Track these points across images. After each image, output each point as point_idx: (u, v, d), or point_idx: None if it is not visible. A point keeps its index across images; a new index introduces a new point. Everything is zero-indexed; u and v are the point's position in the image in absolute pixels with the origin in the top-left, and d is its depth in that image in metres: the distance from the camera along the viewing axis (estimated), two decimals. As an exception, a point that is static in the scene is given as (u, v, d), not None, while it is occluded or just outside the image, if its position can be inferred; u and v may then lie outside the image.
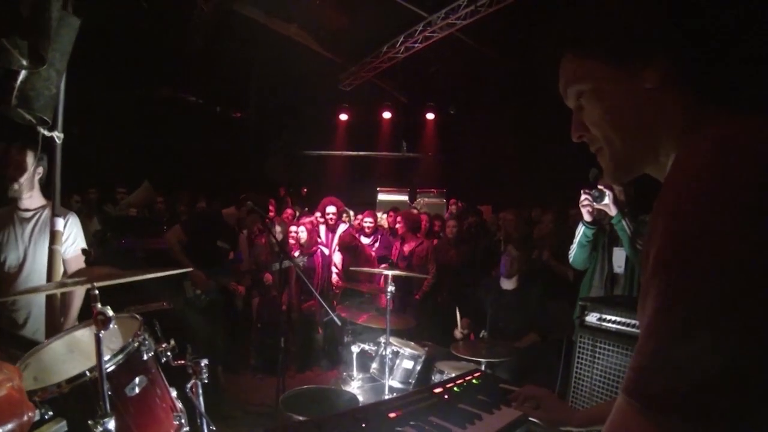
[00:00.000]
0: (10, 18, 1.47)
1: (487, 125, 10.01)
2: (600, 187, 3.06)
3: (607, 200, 3.03)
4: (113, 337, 1.91)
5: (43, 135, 2.33)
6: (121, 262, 4.92)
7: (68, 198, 5.73)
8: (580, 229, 3.25)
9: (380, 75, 9.89)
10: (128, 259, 4.93)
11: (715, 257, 0.58)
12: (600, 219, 3.24)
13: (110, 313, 1.50)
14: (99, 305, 1.50)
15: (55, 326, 2.36)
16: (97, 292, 1.52)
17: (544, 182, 8.17)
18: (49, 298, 2.41)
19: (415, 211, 7.18)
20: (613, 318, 2.43)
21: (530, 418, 1.44)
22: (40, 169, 2.71)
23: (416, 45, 8.18)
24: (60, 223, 2.48)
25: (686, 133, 0.77)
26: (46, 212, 2.70)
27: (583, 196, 3.13)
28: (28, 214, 2.71)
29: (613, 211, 3.05)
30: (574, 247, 3.33)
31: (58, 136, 2.44)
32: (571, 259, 3.41)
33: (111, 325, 1.48)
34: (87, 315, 2.06)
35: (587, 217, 3.18)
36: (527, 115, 9.01)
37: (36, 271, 2.60)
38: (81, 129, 8.57)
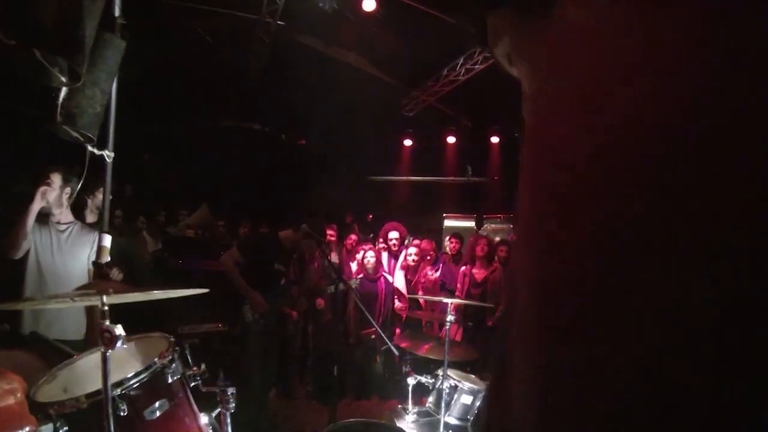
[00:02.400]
0: (33, 29, 1.46)
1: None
2: None
3: None
4: (142, 355, 1.83)
5: (92, 153, 2.35)
6: (177, 282, 5.04)
7: (134, 219, 5.98)
8: None
9: (442, 99, 9.77)
10: (185, 279, 4.98)
11: None
12: None
13: (118, 331, 1.40)
14: (107, 322, 1.41)
15: (93, 340, 2.35)
16: (106, 308, 1.43)
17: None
18: (91, 311, 2.42)
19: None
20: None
21: None
22: (68, 189, 2.97)
23: (476, 66, 8.02)
24: (107, 239, 2.49)
25: None
26: (77, 227, 3.04)
27: None
28: (62, 227, 3.00)
29: None
30: None
31: (108, 155, 2.48)
32: None
33: (119, 344, 1.38)
34: (129, 331, 2.03)
35: None
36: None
37: (69, 281, 2.70)
38: (154, 156, 9.14)
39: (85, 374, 1.83)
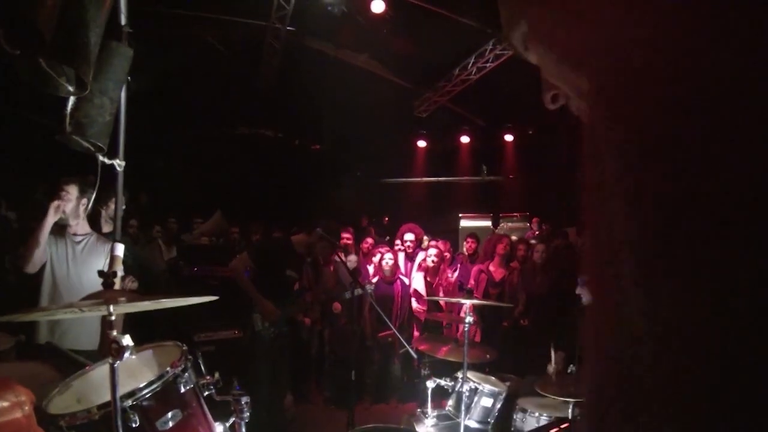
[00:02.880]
0: (35, 37, 1.45)
1: (568, 143, 9.45)
2: None
3: None
4: (155, 364, 1.81)
5: (103, 162, 2.35)
6: (191, 290, 5.05)
7: (150, 228, 6.02)
8: None
9: (455, 99, 9.71)
10: (200, 287, 4.98)
11: None
12: None
13: (125, 342, 1.37)
14: (114, 333, 1.38)
15: (105, 351, 2.35)
16: (113, 318, 1.40)
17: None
18: (104, 320, 2.42)
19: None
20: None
21: None
22: (85, 200, 3.00)
23: (488, 64, 7.94)
24: (120, 249, 2.48)
25: None
26: (93, 238, 3.08)
27: None
28: (78, 239, 3.04)
29: None
30: None
31: (119, 164, 2.47)
32: None
33: (127, 355, 1.36)
34: (144, 339, 2.02)
35: None
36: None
37: (84, 292, 2.67)
38: (167, 164, 9.23)
39: (98, 384, 1.81)
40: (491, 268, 5.69)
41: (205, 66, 7.89)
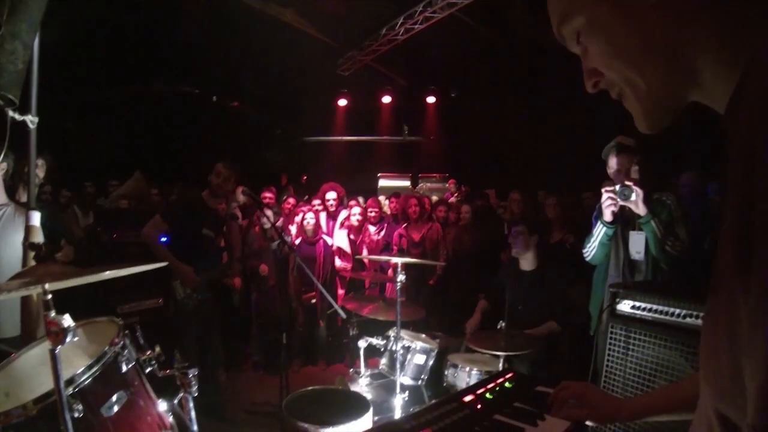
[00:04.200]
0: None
1: (489, 108, 9.76)
2: (628, 183, 2.84)
3: (634, 197, 2.82)
4: (89, 345, 1.67)
5: (13, 119, 2.06)
6: (112, 258, 4.69)
7: (57, 193, 5.47)
8: (600, 229, 3.02)
9: (380, 59, 9.58)
10: (121, 254, 4.64)
11: None
12: (620, 215, 3.01)
13: (66, 323, 1.23)
14: (53, 313, 1.23)
15: (30, 334, 2.12)
16: (49, 297, 1.25)
17: (547, 165, 7.96)
18: (25, 300, 2.16)
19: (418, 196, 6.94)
20: (649, 306, 2.22)
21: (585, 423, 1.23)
22: (4, 165, 2.58)
23: (416, 26, 7.86)
24: (36, 217, 2.22)
25: (737, 33, 0.56)
26: (10, 209, 2.62)
27: (605, 196, 2.92)
28: None
29: (642, 210, 2.83)
30: (594, 245, 3.11)
31: (32, 120, 2.18)
32: (589, 257, 3.20)
33: (69, 338, 1.22)
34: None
35: (609, 218, 2.95)
36: (530, 97, 8.80)
37: (2, 271, 2.37)
38: (77, 123, 8.38)
39: (26, 375, 1.64)
40: (409, 229, 5.80)
41: (119, 16, 7.07)
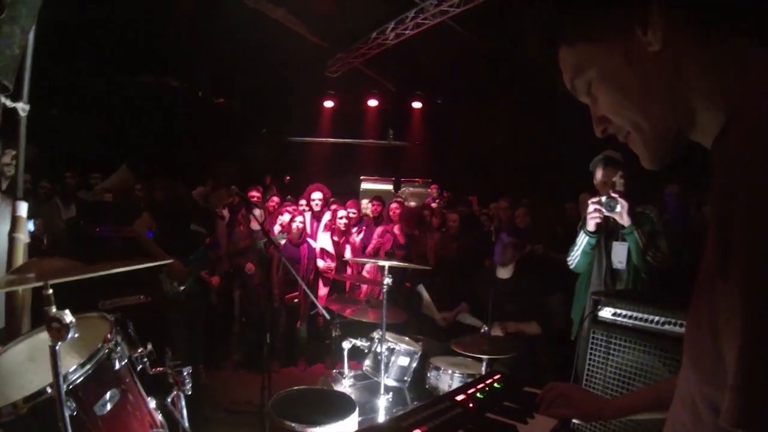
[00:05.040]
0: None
1: (474, 116, 9.87)
2: (613, 195, 2.92)
3: (619, 208, 2.89)
4: (80, 342, 1.65)
5: (5, 106, 2.04)
6: (94, 252, 4.61)
7: (35, 183, 5.36)
8: (583, 239, 3.10)
9: (368, 62, 9.60)
10: (103, 248, 4.57)
11: None
12: (603, 225, 3.09)
13: (68, 319, 1.21)
14: (54, 309, 1.22)
15: (14, 328, 2.07)
16: (50, 291, 1.23)
17: (530, 172, 8.08)
18: (9, 295, 2.11)
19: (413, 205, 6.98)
20: (630, 313, 2.29)
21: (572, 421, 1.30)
22: None
23: (407, 32, 7.91)
24: (23, 208, 2.18)
25: (723, 81, 0.65)
26: None
27: (591, 207, 2.98)
28: None
29: (626, 221, 2.91)
30: (577, 255, 3.18)
31: (23, 107, 2.16)
32: (572, 266, 3.26)
33: (70, 334, 1.21)
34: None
35: (592, 227, 3.03)
36: (515, 106, 8.93)
37: None
38: (62, 112, 8.20)
39: (13, 371, 1.60)
40: (396, 230, 5.82)
41: (109, 6, 6.95)
